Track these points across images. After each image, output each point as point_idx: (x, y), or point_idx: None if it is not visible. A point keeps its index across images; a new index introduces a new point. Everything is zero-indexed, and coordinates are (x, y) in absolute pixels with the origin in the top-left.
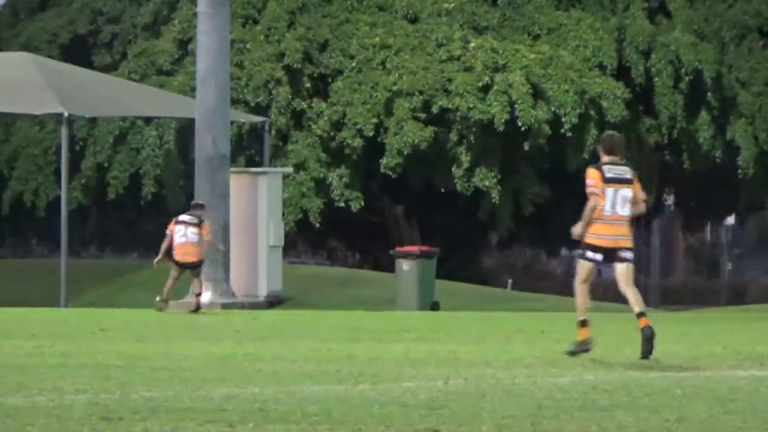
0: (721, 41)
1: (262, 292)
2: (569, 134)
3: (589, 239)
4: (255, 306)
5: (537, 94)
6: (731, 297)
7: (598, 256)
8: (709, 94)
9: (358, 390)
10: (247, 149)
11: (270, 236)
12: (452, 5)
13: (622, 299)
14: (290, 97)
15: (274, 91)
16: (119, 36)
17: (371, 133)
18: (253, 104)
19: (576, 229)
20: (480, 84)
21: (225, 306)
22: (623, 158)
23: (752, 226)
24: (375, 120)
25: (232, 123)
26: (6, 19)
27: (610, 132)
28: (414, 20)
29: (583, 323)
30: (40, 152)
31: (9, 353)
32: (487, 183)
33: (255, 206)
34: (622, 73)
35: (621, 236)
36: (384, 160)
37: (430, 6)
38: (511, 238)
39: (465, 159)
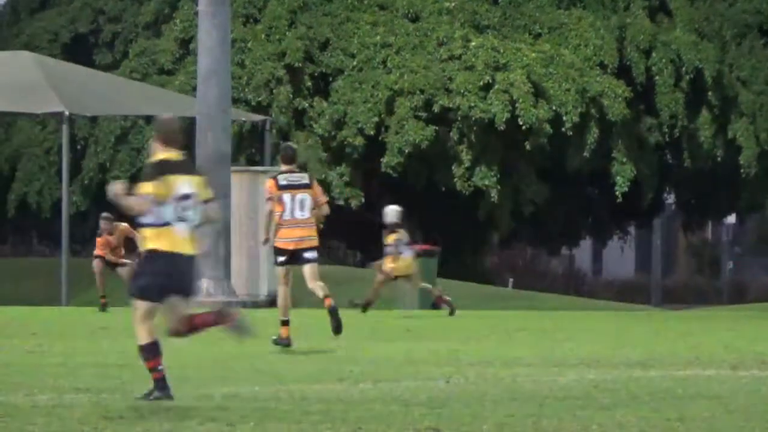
0: (722, 40)
1: (263, 291)
2: (570, 133)
3: (277, 243)
4: (256, 305)
5: (538, 92)
6: (732, 296)
7: (283, 258)
8: (709, 93)
9: (358, 389)
10: (248, 148)
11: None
12: (453, 4)
13: (626, 299)
14: (291, 96)
15: (275, 90)
16: (120, 35)
17: (372, 132)
18: (254, 103)
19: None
20: (481, 83)
21: (226, 305)
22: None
23: (753, 226)
24: (376, 119)
25: (233, 122)
26: (7, 18)
27: (286, 144)
28: (415, 19)
29: (284, 323)
30: (42, 152)
31: (10, 352)
32: (487, 182)
33: (256, 205)
34: (622, 72)
35: (304, 238)
36: (385, 159)
37: (430, 5)
38: (511, 237)
39: (466, 158)
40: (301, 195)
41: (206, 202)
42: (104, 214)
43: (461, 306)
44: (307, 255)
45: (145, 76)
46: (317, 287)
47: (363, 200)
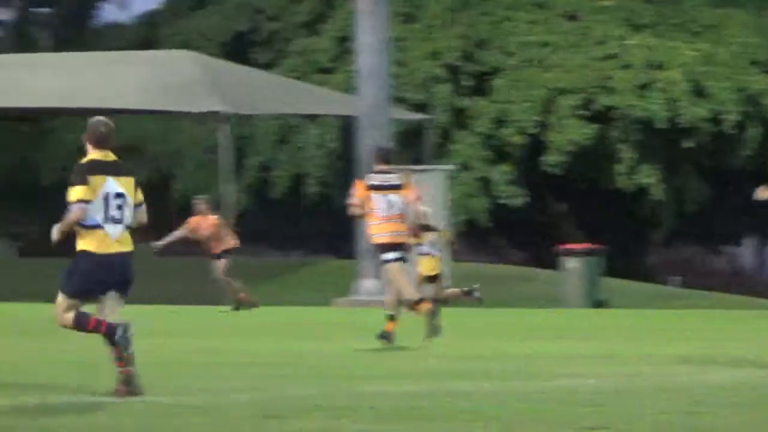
0: None
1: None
2: (731, 132)
3: (379, 239)
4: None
5: (697, 91)
6: None
7: (392, 254)
8: None
9: (511, 386)
10: (409, 147)
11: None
12: (611, 3)
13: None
14: (451, 94)
15: (434, 89)
16: (279, 34)
17: (533, 131)
18: (414, 102)
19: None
20: (639, 82)
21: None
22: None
23: None
24: (536, 117)
25: (393, 121)
26: (166, 17)
27: (381, 145)
28: (573, 18)
29: (392, 317)
30: (202, 151)
31: (168, 352)
32: (649, 180)
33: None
34: None
35: (396, 233)
36: (546, 158)
37: (588, 4)
38: (673, 235)
39: (627, 156)
40: (391, 196)
41: (137, 205)
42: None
43: (624, 305)
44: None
45: (303, 75)
46: (406, 287)
47: (527, 199)
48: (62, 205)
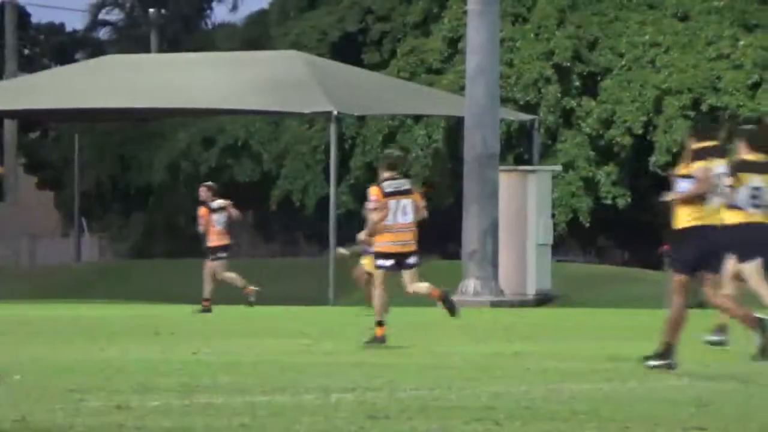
0: None
1: (531, 290)
2: None
3: (382, 248)
4: (524, 304)
5: None
6: None
7: (388, 263)
8: None
9: (626, 388)
10: (517, 147)
11: (539, 234)
12: (722, 3)
13: None
14: (559, 95)
15: (543, 90)
16: (389, 34)
17: (640, 131)
18: (522, 102)
19: None
20: (749, 82)
21: (494, 304)
22: None
23: None
24: (644, 118)
25: (501, 121)
26: (275, 17)
27: (389, 151)
28: (684, 18)
29: (380, 323)
30: (308, 150)
31: (278, 351)
32: None
33: (524, 204)
34: None
35: (407, 242)
36: (653, 158)
37: (699, 4)
38: None
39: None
40: (404, 201)
41: None
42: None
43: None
44: (410, 261)
45: (413, 75)
46: (419, 288)
47: (630, 199)
48: (171, 205)
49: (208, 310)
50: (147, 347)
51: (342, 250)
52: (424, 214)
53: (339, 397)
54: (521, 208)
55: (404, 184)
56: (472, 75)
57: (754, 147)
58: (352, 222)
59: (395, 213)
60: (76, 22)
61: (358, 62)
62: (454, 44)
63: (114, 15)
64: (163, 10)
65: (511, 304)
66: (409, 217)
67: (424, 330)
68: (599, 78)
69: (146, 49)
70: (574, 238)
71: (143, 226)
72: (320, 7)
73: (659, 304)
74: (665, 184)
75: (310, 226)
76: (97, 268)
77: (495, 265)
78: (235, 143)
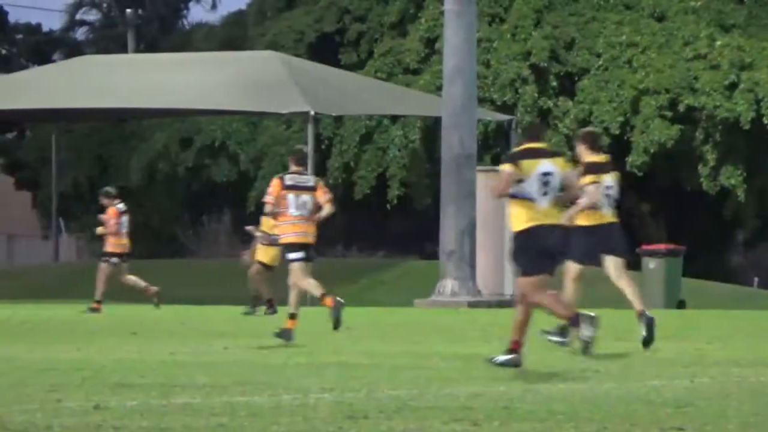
0: None
1: (509, 290)
2: None
3: (289, 239)
4: (501, 304)
5: None
6: None
7: (299, 254)
8: None
9: (603, 388)
10: (494, 148)
11: None
12: (699, 3)
13: None
14: (536, 95)
15: (520, 90)
16: (366, 34)
17: (617, 132)
18: (499, 103)
19: None
20: (726, 82)
21: (471, 304)
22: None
23: None
24: (621, 118)
25: (478, 121)
26: (253, 18)
27: (298, 147)
28: (661, 18)
29: (293, 316)
30: (286, 152)
31: (256, 352)
32: (732, 182)
33: (501, 205)
34: None
35: (308, 234)
36: (630, 159)
37: (676, 4)
38: (757, 236)
39: (711, 157)
40: (305, 196)
41: None
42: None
43: (707, 305)
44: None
45: (390, 76)
46: (309, 285)
47: None
48: (149, 206)
49: (96, 310)
50: (125, 347)
51: (245, 257)
52: (329, 209)
53: (317, 398)
54: (499, 209)
55: (309, 180)
56: (449, 75)
57: (595, 148)
58: (331, 221)
59: (296, 206)
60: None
61: (335, 63)
62: (431, 44)
63: (91, 15)
64: (140, 11)
65: (489, 305)
66: (308, 212)
67: (402, 330)
68: (576, 78)
69: (123, 50)
70: None
71: None
72: (297, 8)
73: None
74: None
75: None
76: (76, 268)
77: (472, 265)
78: (213, 144)
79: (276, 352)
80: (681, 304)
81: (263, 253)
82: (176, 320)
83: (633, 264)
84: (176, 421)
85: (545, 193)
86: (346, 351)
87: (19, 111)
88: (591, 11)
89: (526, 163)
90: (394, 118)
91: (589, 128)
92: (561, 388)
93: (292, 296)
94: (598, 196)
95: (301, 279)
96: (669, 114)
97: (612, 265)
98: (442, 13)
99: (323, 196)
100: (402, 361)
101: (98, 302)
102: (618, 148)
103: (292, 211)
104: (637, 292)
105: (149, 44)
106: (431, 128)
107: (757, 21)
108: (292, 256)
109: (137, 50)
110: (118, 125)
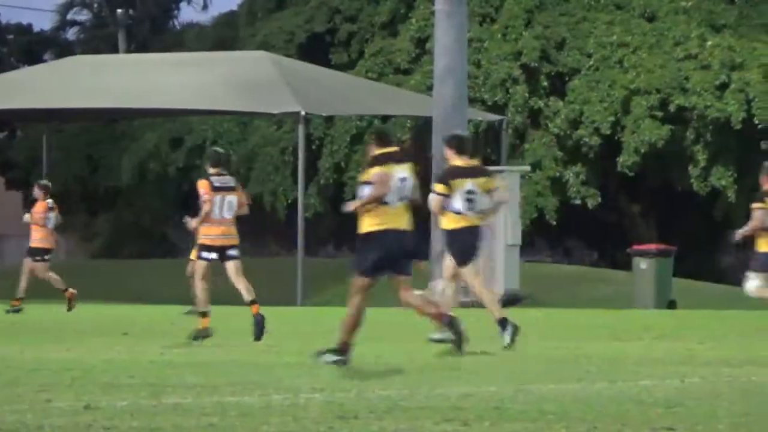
0: None
1: (500, 290)
2: None
3: (205, 240)
4: None
5: None
6: None
7: (210, 255)
8: None
9: (594, 388)
10: (485, 148)
11: (507, 235)
12: (690, 3)
13: None
14: (527, 95)
15: (511, 90)
16: (357, 35)
17: (608, 132)
18: (490, 103)
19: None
20: (717, 82)
21: (462, 305)
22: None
23: None
24: (612, 118)
25: (469, 121)
26: (243, 18)
27: (214, 149)
28: (651, 19)
29: (204, 314)
30: (277, 152)
31: (246, 352)
32: (723, 182)
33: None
34: None
35: (229, 236)
36: (621, 159)
37: (667, 4)
38: (748, 237)
39: (701, 158)
40: (229, 197)
41: None
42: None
43: (698, 305)
44: (231, 252)
45: (380, 76)
46: (243, 287)
47: (600, 199)
48: (139, 205)
49: (17, 309)
50: (115, 347)
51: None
52: (245, 210)
53: (308, 398)
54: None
55: (230, 181)
56: (440, 75)
57: (462, 152)
58: (322, 223)
59: (221, 208)
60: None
61: (326, 63)
62: (422, 45)
63: (82, 15)
64: (131, 11)
65: (480, 305)
66: (232, 213)
67: (393, 330)
68: (567, 78)
69: (114, 50)
70: (542, 239)
71: (112, 227)
72: (288, 8)
73: (628, 304)
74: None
75: (279, 226)
76: (66, 268)
77: None
78: (203, 143)
79: (266, 352)
80: (672, 304)
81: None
82: (166, 320)
83: (624, 264)
84: (167, 421)
85: (401, 198)
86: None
87: (9, 111)
88: (582, 11)
89: (387, 167)
90: (385, 118)
91: (457, 132)
92: (552, 388)
93: (201, 294)
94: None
95: (199, 279)
96: (660, 114)
97: (469, 269)
98: (432, 13)
99: (243, 197)
100: (393, 361)
101: (19, 299)
102: (609, 149)
103: (217, 212)
104: (493, 298)
105: (140, 44)
106: (422, 128)
107: (748, 21)
108: (205, 255)
109: (128, 50)
110: (109, 125)
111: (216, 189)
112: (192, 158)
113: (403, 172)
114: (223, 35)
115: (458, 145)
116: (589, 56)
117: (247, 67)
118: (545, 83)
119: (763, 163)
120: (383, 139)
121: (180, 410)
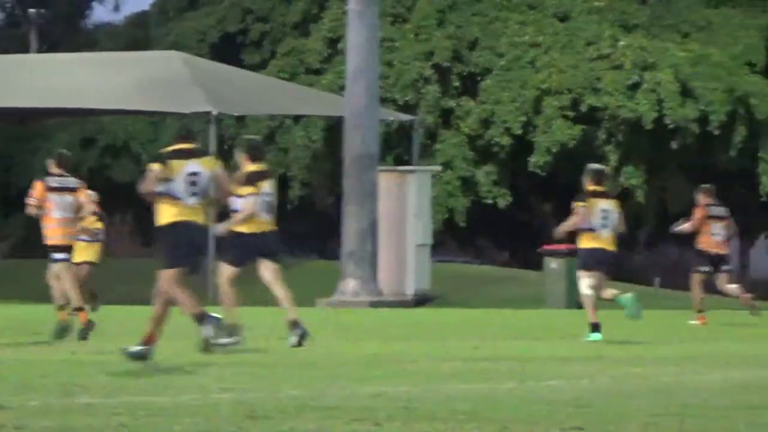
0: None
1: (410, 290)
2: (717, 132)
3: (53, 241)
4: (402, 304)
5: (685, 92)
6: None
7: (63, 255)
8: None
9: (504, 388)
10: (396, 148)
11: (418, 235)
12: (602, 4)
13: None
14: (439, 95)
15: (422, 90)
16: (268, 34)
17: (519, 132)
18: (401, 103)
19: None
20: (629, 82)
21: (372, 304)
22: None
23: None
24: (523, 118)
25: (380, 121)
26: (155, 18)
27: (61, 150)
28: (564, 19)
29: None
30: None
31: (157, 352)
32: (633, 182)
33: (403, 205)
34: None
35: (71, 236)
36: (532, 159)
37: (580, 4)
38: (658, 236)
39: (613, 158)
40: (69, 197)
41: None
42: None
43: (608, 305)
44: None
45: (292, 76)
46: (73, 291)
47: (511, 199)
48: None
49: None
50: (26, 347)
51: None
52: (85, 211)
53: (218, 398)
54: (400, 209)
55: (72, 182)
56: (352, 75)
57: (254, 157)
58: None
59: (62, 208)
60: None
61: (238, 63)
62: (334, 44)
63: None
64: (43, 10)
65: (390, 305)
66: (70, 214)
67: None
68: (479, 78)
69: (26, 50)
70: (453, 239)
71: (24, 227)
72: (200, 8)
73: (539, 304)
74: (544, 186)
75: None
76: None
77: (374, 265)
78: (115, 144)
79: (176, 352)
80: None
81: (91, 252)
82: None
83: (535, 264)
84: (78, 421)
85: (193, 193)
86: (246, 350)
87: None
88: (494, 11)
89: (174, 163)
90: (297, 118)
91: (251, 136)
92: (462, 388)
93: (57, 293)
94: (254, 208)
95: (64, 280)
96: (571, 114)
97: (267, 270)
98: (344, 13)
99: (85, 198)
100: (303, 361)
101: None
102: (520, 148)
103: (56, 213)
104: (290, 298)
105: (52, 44)
106: (334, 128)
107: (660, 21)
108: (57, 256)
109: (40, 50)
110: (20, 125)
111: (51, 189)
112: (104, 158)
113: (197, 166)
114: (135, 35)
115: (253, 151)
116: (501, 56)
117: (158, 67)
118: (457, 83)
119: (587, 166)
120: (183, 135)
121: (91, 410)
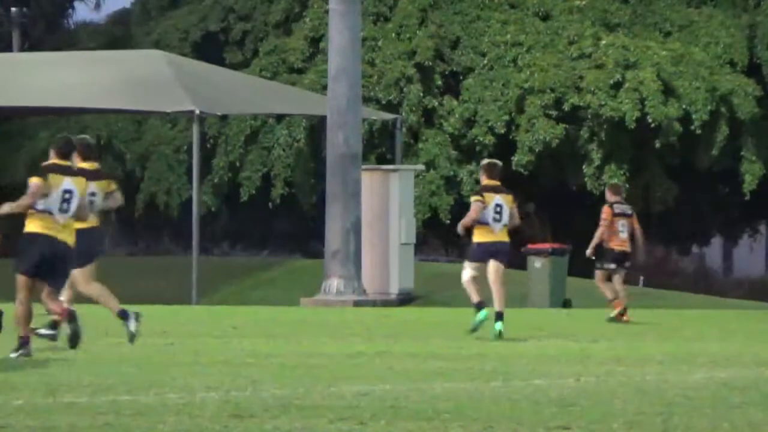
0: None
1: (394, 289)
2: (699, 132)
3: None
4: (386, 303)
5: (667, 91)
6: None
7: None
8: None
9: (489, 387)
10: (379, 147)
11: (402, 234)
12: (584, 3)
13: (756, 297)
14: (421, 94)
15: (405, 89)
16: (251, 33)
17: (502, 131)
18: (384, 102)
19: None
20: (611, 81)
21: (356, 303)
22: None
23: None
24: (506, 117)
25: (363, 121)
26: (137, 17)
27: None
28: (546, 18)
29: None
30: (171, 151)
31: (141, 351)
32: (616, 180)
33: (386, 204)
34: (753, 70)
35: None
36: (515, 158)
37: (561, 3)
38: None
39: (596, 156)
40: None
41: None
42: None
43: (592, 304)
44: None
45: (275, 75)
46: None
47: None
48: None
49: None
50: (8, 346)
51: None
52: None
53: (203, 397)
54: (384, 208)
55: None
56: (334, 74)
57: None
58: (216, 221)
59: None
60: None
61: (220, 62)
62: (316, 44)
63: None
64: (25, 9)
65: (374, 304)
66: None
67: (288, 329)
68: (461, 77)
69: (8, 49)
70: (436, 238)
71: (4, 226)
72: (182, 7)
73: (523, 303)
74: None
75: (175, 224)
76: None
77: (358, 264)
78: (98, 142)
79: (161, 351)
80: (566, 303)
81: None
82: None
83: (518, 263)
84: (62, 420)
85: (65, 210)
86: (231, 350)
87: None
88: (476, 10)
89: (53, 178)
90: (280, 118)
91: (83, 136)
92: (447, 387)
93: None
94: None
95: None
96: (554, 113)
97: (82, 272)
98: (326, 12)
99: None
100: (288, 360)
101: None
102: (503, 148)
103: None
104: (109, 295)
105: (35, 44)
106: (316, 127)
107: (642, 20)
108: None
109: (22, 49)
110: (2, 123)
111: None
112: None
113: (71, 185)
114: (117, 34)
115: (83, 150)
116: (483, 55)
117: (141, 66)
118: (439, 82)
119: (482, 162)
120: (63, 150)
121: (75, 409)
